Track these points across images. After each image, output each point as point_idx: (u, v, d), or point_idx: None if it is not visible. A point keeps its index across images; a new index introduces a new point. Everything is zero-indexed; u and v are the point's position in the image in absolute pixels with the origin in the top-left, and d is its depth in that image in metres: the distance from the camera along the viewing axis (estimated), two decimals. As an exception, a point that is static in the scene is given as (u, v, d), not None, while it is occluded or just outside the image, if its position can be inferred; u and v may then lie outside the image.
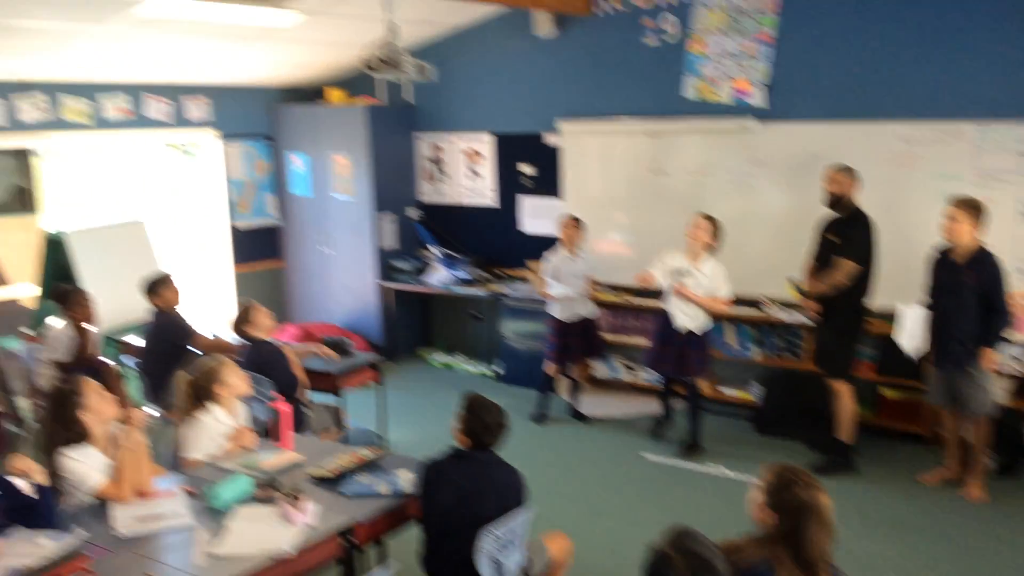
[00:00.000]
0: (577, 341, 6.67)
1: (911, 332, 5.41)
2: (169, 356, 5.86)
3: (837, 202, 5.60)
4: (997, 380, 5.47)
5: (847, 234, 5.54)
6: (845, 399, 5.67)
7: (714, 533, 2.44)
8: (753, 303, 6.76)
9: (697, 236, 5.88)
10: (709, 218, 5.90)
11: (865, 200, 5.67)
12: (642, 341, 7.20)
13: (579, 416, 6.85)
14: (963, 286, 5.13)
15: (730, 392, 6.92)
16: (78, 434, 3.63)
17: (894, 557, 4.70)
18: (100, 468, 3.61)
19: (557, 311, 6.67)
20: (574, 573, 4.21)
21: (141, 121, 7.67)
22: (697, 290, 5.86)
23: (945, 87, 5.98)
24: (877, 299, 5.70)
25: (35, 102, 7.00)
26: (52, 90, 7.09)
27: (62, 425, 3.61)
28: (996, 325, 5.09)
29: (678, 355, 5.98)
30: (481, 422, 3.50)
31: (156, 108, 7.78)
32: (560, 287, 6.56)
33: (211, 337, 6.09)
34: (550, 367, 6.77)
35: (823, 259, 5.69)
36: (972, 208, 5.10)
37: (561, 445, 6.35)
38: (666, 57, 7.01)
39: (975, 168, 5.91)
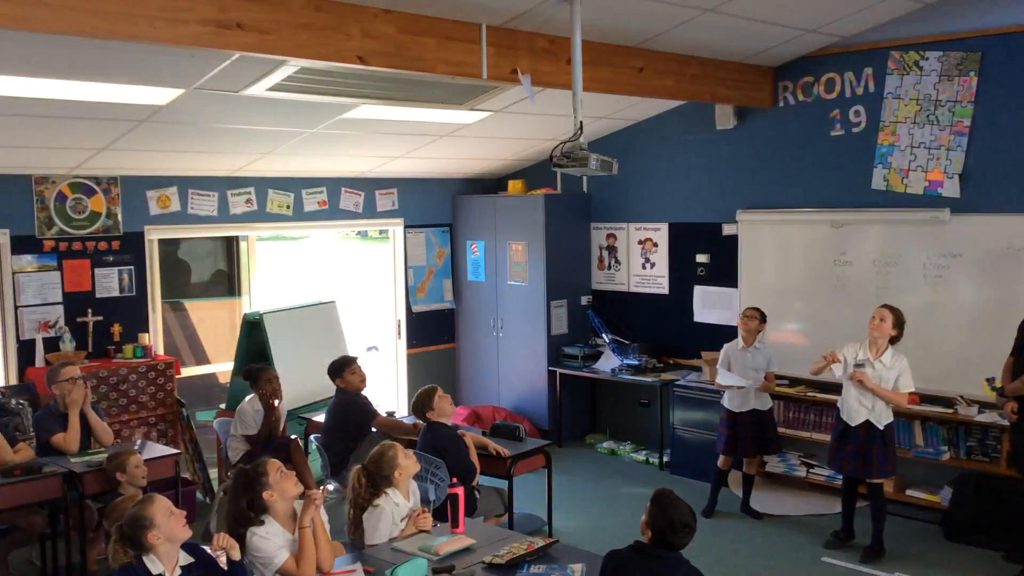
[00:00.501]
0: (748, 433, 6.50)
1: None
2: (350, 434, 6.17)
3: None
4: None
5: None
6: (1047, 507, 5.24)
7: None
8: (944, 401, 6.39)
9: (879, 328, 5.65)
10: (892, 309, 5.68)
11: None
12: (820, 436, 6.95)
13: (752, 512, 6.62)
14: None
15: (918, 495, 6.51)
16: (261, 512, 3.84)
17: None
18: (284, 545, 3.81)
19: (728, 401, 6.54)
20: None
21: (335, 212, 8.24)
22: (878, 381, 5.60)
23: None
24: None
25: (245, 196, 7.66)
26: (262, 185, 7.74)
27: (247, 504, 3.84)
28: None
29: (859, 452, 5.70)
30: (668, 520, 3.44)
31: (349, 200, 8.33)
32: (728, 376, 6.44)
33: (388, 417, 6.36)
34: (721, 459, 6.61)
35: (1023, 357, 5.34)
36: None
37: (733, 542, 6.14)
38: (853, 147, 6.91)
39: None
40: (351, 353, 7.06)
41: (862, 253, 6.88)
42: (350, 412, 6.18)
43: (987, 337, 6.12)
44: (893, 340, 5.67)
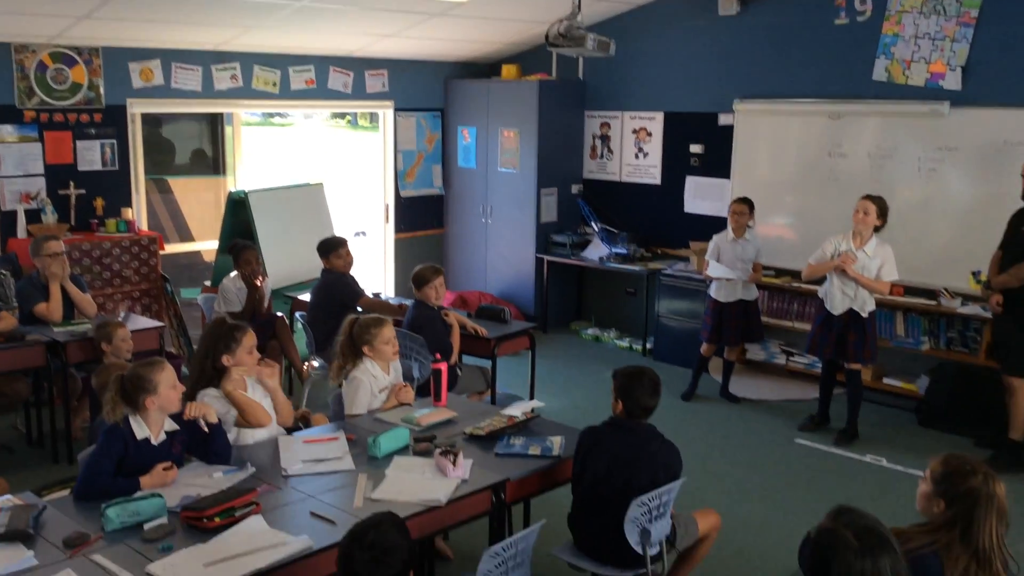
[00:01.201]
0: (734, 323, 6.55)
1: None
2: (335, 313, 6.17)
3: None
4: None
5: None
6: (1021, 396, 5.34)
7: None
8: (928, 293, 6.43)
9: (864, 221, 5.63)
10: (875, 199, 5.64)
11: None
12: (802, 325, 7.02)
13: (730, 397, 6.74)
14: None
15: (895, 383, 6.63)
16: (218, 374, 3.84)
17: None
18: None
19: (715, 291, 6.56)
20: (717, 550, 4.17)
21: (323, 92, 8.05)
22: (860, 271, 5.62)
23: None
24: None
25: (230, 72, 7.46)
26: (247, 61, 7.54)
27: (212, 363, 3.84)
28: None
29: (838, 339, 5.76)
30: (633, 391, 3.51)
31: (338, 80, 8.13)
32: (718, 268, 6.44)
33: (374, 297, 6.36)
34: (705, 347, 6.68)
35: (1013, 253, 5.34)
36: None
37: (711, 424, 6.27)
38: (856, 36, 6.75)
39: None
40: (342, 237, 7.01)
41: (858, 146, 6.80)
42: (335, 291, 6.18)
43: (975, 231, 6.12)
44: (877, 229, 5.66)
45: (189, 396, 3.69)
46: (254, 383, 3.95)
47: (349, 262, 6.30)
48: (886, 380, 6.68)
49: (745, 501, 5.09)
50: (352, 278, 6.27)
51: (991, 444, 5.63)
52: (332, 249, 6.24)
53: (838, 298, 5.73)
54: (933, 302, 6.39)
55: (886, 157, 6.65)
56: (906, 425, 6.25)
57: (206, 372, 3.85)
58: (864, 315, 5.70)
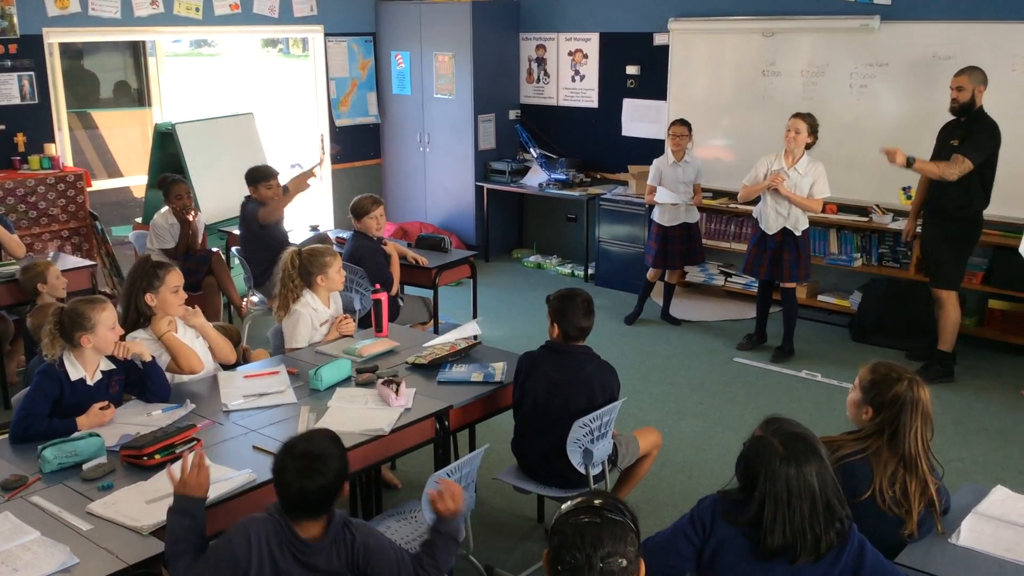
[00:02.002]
0: (677, 246, 6.60)
1: None
2: (270, 246, 6.04)
3: (962, 108, 5.31)
4: None
5: (968, 135, 5.26)
6: (949, 308, 5.51)
7: None
8: (860, 210, 6.56)
9: (795, 140, 5.67)
10: (804, 117, 5.68)
11: (991, 106, 5.36)
12: (739, 246, 7.11)
13: (671, 319, 6.84)
14: None
15: (829, 299, 6.78)
16: (141, 314, 3.74)
17: (988, 464, 4.63)
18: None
19: (658, 216, 6.59)
20: (659, 468, 4.28)
21: (248, 17, 7.76)
22: (792, 189, 5.69)
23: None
24: (995, 209, 5.45)
25: (147, -4, 7.15)
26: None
27: (136, 302, 3.74)
28: None
29: (773, 258, 5.86)
30: (567, 313, 3.54)
31: (263, 4, 7.84)
32: (666, 193, 6.45)
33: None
34: (651, 272, 6.73)
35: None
36: None
37: (652, 347, 6.37)
38: (786, -50, 6.70)
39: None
40: (272, 168, 6.85)
41: (791, 63, 6.82)
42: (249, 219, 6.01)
43: (906, 147, 6.13)
44: (809, 146, 5.71)
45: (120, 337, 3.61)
46: (185, 326, 3.87)
47: (274, 197, 6.11)
48: (821, 297, 6.83)
49: (686, 419, 5.21)
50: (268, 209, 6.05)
51: (922, 356, 5.81)
52: (261, 179, 6.05)
53: (772, 217, 5.81)
54: (865, 219, 6.51)
55: (819, 74, 6.69)
56: (840, 340, 6.43)
57: (131, 312, 3.76)
58: (797, 233, 5.79)
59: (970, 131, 5.28)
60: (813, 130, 5.66)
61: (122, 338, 3.54)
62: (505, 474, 3.76)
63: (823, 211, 6.42)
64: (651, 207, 6.74)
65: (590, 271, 7.95)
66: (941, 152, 5.47)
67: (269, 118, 10.14)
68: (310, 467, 2.37)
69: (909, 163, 5.36)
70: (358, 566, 2.47)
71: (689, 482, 4.47)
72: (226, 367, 3.97)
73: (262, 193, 6.01)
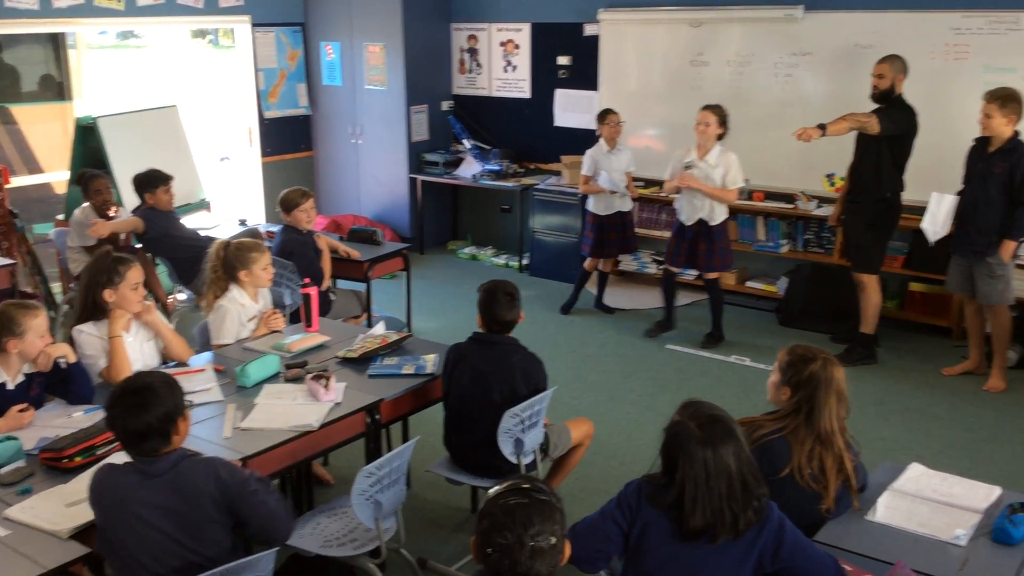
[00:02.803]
0: (613, 235, 6.65)
1: (934, 217, 5.36)
2: (179, 246, 5.94)
3: (881, 95, 5.45)
4: (1018, 272, 5.41)
5: (886, 114, 5.40)
6: (871, 292, 5.66)
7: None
8: (786, 197, 6.69)
9: (705, 132, 5.73)
10: (714, 108, 5.76)
11: (911, 93, 5.51)
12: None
13: (604, 308, 6.90)
14: (990, 175, 5.07)
15: (757, 285, 6.92)
16: (98, 309, 3.68)
17: (909, 443, 4.78)
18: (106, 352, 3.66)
19: (594, 205, 6.62)
20: (591, 455, 4.32)
21: (172, 7, 7.59)
22: (704, 180, 5.76)
23: (998, -28, 5.74)
24: (912, 193, 5.61)
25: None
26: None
27: (93, 298, 3.67)
28: (1019, 218, 5.00)
29: (690, 249, 5.95)
30: (490, 306, 3.55)
31: (186, -6, 7.69)
32: (608, 180, 6.47)
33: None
34: (588, 262, 6.77)
35: (863, 151, 5.56)
36: (1003, 99, 4.98)
37: (586, 335, 6.42)
38: (711, -59, 6.78)
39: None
40: (199, 162, 6.74)
41: (718, 53, 6.92)
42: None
43: (829, 135, 6.33)
44: (720, 137, 5.79)
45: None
46: (140, 326, 3.79)
47: (170, 201, 5.98)
48: (749, 284, 6.95)
49: (618, 406, 5.26)
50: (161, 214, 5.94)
51: (846, 339, 5.96)
52: (160, 183, 5.88)
53: (688, 209, 5.90)
54: (791, 206, 6.65)
55: (745, 64, 6.80)
56: (768, 325, 6.56)
57: (87, 307, 3.68)
58: (712, 224, 5.87)
59: (886, 112, 5.42)
60: (723, 122, 5.74)
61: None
62: (438, 466, 3.76)
63: (750, 199, 6.56)
64: (585, 197, 6.78)
65: (524, 261, 7.97)
66: (860, 139, 5.59)
67: (197, 111, 9.96)
68: (134, 403, 2.45)
69: (822, 129, 5.46)
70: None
71: (621, 468, 4.52)
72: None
73: (161, 198, 5.86)
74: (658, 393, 5.44)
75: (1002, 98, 4.99)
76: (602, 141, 6.57)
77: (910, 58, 5.53)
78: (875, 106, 5.51)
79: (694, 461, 2.25)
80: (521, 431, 3.48)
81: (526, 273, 7.86)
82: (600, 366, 5.88)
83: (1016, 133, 5.03)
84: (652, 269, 7.42)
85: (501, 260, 8.20)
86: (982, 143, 5.16)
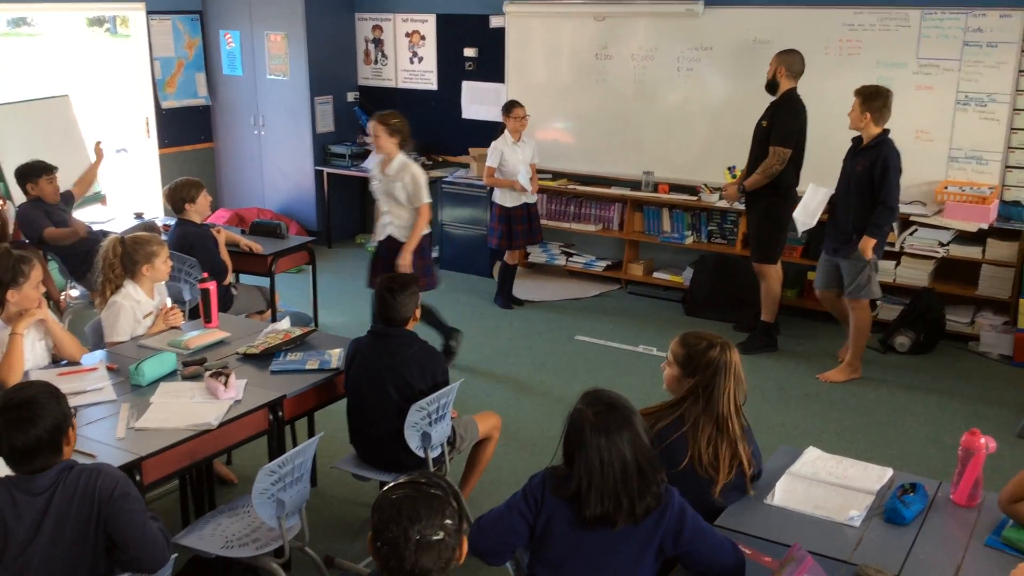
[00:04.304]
0: (521, 226, 6.65)
1: (805, 207, 5.55)
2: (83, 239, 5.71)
3: (768, 85, 5.60)
4: (882, 265, 5.60)
5: (775, 118, 5.55)
6: (770, 281, 5.80)
7: (638, 406, 2.50)
8: (690, 189, 6.81)
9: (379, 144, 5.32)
10: (382, 120, 5.31)
11: (807, 87, 5.66)
12: (579, 227, 7.26)
13: (515, 300, 6.90)
14: (853, 173, 5.21)
15: (664, 276, 7.02)
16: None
17: (808, 427, 4.92)
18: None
19: (500, 197, 6.61)
20: (502, 448, 4.30)
21: (60, -8, 7.28)
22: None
23: (889, -30, 5.96)
24: (805, 185, 5.76)
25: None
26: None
27: None
28: (877, 215, 5.10)
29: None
30: (377, 301, 3.52)
31: (75, -22, 7.38)
32: (523, 175, 6.46)
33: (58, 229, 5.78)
34: (508, 254, 6.75)
35: (754, 143, 5.70)
36: (865, 96, 5.09)
37: (496, 328, 6.41)
38: (614, -65, 6.84)
39: (917, 56, 5.95)
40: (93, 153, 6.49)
41: (623, 47, 6.99)
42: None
43: (730, 128, 6.49)
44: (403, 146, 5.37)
45: None
46: (31, 325, 3.63)
47: (55, 191, 5.74)
48: (656, 274, 7.07)
49: (529, 398, 5.28)
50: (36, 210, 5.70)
51: (748, 327, 6.10)
52: (43, 174, 5.65)
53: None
54: (694, 198, 6.77)
55: (648, 58, 6.89)
56: (674, 315, 6.67)
57: None
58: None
59: (776, 112, 5.56)
60: (396, 132, 5.30)
61: None
62: (344, 462, 3.70)
63: (655, 191, 6.66)
64: (491, 189, 6.77)
65: (435, 254, 7.90)
66: (757, 133, 5.71)
67: (93, 100, 9.57)
68: (20, 418, 2.34)
69: (743, 190, 5.68)
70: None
71: (532, 460, 4.53)
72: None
73: (43, 188, 5.62)
74: (568, 384, 5.47)
75: (864, 94, 5.09)
76: (507, 133, 6.56)
77: (806, 53, 5.68)
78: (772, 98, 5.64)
79: (589, 449, 2.28)
80: (428, 425, 3.45)
81: (437, 266, 7.79)
82: (510, 358, 5.88)
83: (885, 131, 5.13)
84: (562, 261, 7.46)
85: (410, 253, 8.11)
86: (857, 141, 5.29)
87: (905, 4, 5.93)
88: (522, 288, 7.08)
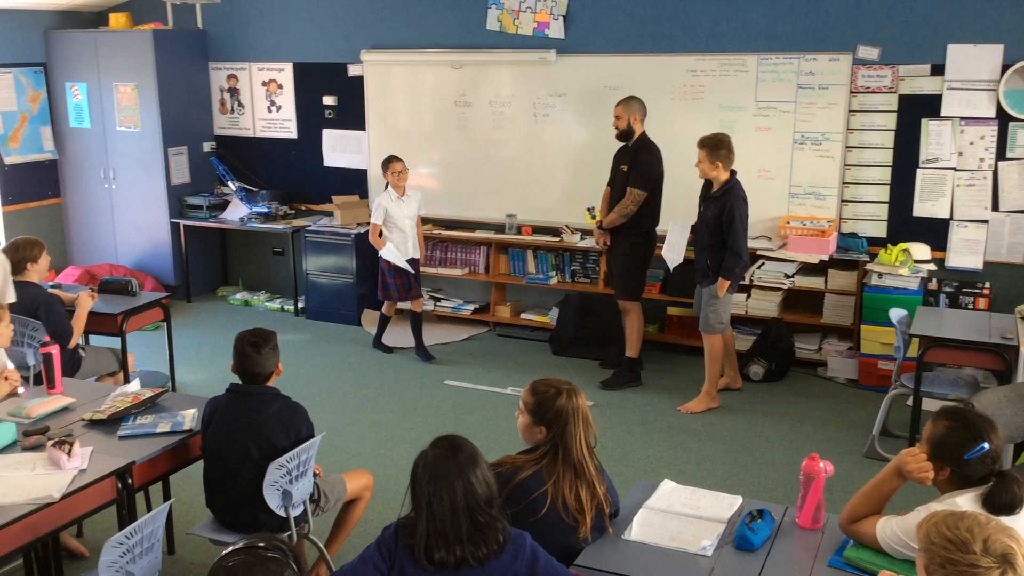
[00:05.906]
0: (410, 278, 6.59)
1: (671, 245, 5.87)
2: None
3: (622, 134, 5.82)
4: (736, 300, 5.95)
5: (633, 162, 5.76)
6: (634, 317, 5.97)
7: (509, 450, 2.52)
8: (552, 231, 6.95)
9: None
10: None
11: (655, 130, 5.91)
12: (447, 271, 7.29)
13: (383, 347, 6.84)
14: (705, 218, 5.50)
15: (531, 317, 7.12)
16: None
17: (671, 459, 5.05)
18: None
19: (389, 253, 6.53)
20: (372, 498, 4.22)
21: None
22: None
23: (729, 21, 6.29)
24: (665, 224, 5.99)
25: None
26: None
27: None
28: (727, 260, 5.39)
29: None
30: (238, 349, 3.46)
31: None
32: (392, 252, 6.45)
33: None
34: (386, 306, 6.72)
35: (617, 187, 5.91)
36: (711, 147, 5.35)
37: (364, 376, 6.33)
38: (470, -12, 6.99)
39: (756, 99, 6.28)
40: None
41: (480, 94, 7.11)
42: None
43: (587, 170, 6.68)
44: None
45: None
46: None
47: None
48: (523, 315, 7.15)
49: (398, 446, 5.21)
50: None
51: (614, 363, 6.24)
52: None
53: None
54: (557, 239, 6.91)
55: (505, 104, 7.04)
56: (542, 355, 6.75)
57: None
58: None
59: (635, 157, 5.79)
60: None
61: None
62: (201, 527, 3.55)
63: (519, 233, 6.76)
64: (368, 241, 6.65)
65: (300, 305, 7.77)
66: (615, 174, 5.94)
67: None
68: None
69: (603, 228, 5.91)
70: None
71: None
72: None
73: None
74: (437, 429, 5.30)
75: (709, 146, 5.35)
76: (390, 188, 6.50)
77: (653, 98, 5.94)
78: (622, 144, 5.86)
79: (422, 495, 2.30)
80: (288, 482, 3.36)
81: (303, 316, 7.67)
82: (379, 406, 5.81)
83: (732, 174, 5.41)
84: (430, 306, 7.43)
85: (276, 304, 7.96)
86: (707, 185, 5.55)
87: (743, 50, 6.28)
88: (391, 335, 7.02)
